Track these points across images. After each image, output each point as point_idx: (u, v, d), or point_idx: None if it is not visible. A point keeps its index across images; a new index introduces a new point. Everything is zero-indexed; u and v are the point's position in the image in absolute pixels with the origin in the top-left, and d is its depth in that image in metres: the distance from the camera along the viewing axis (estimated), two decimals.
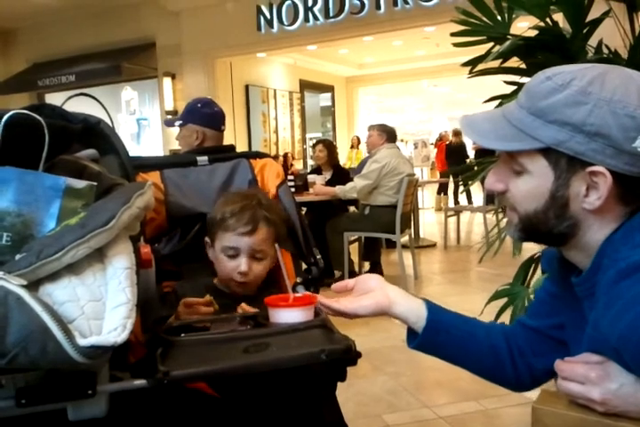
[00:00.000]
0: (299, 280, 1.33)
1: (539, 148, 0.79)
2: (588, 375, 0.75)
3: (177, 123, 2.63)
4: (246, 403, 0.99)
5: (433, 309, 1.01)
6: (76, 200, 0.89)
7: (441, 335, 0.99)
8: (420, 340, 0.99)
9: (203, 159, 1.53)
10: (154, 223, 1.41)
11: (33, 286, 0.73)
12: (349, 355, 0.93)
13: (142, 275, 1.01)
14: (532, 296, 1.89)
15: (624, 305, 0.69)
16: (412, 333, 1.02)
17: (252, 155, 1.61)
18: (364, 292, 1.00)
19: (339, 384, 1.11)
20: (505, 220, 2.09)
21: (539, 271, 1.97)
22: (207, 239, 1.36)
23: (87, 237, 0.74)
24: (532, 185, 0.83)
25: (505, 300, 1.96)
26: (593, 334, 0.79)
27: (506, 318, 1.68)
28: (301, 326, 1.03)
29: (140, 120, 10.35)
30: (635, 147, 0.75)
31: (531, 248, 2.27)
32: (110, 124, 1.15)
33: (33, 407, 0.77)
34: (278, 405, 1.03)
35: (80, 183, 0.92)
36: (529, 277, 1.97)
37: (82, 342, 0.67)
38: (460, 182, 7.30)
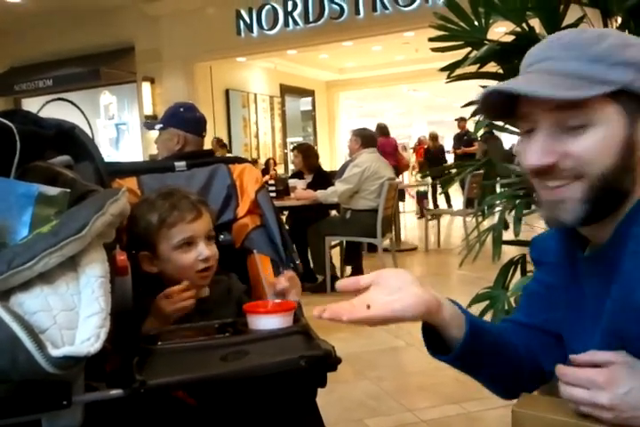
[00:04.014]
0: (293, 302, 1.31)
1: (610, 91, 0.74)
2: (594, 380, 0.70)
3: (157, 126, 2.62)
4: (225, 410, 0.98)
5: (468, 312, 0.87)
6: (49, 208, 0.88)
7: (482, 343, 0.86)
8: (462, 347, 0.83)
9: (180, 165, 1.52)
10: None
11: (4, 296, 0.71)
12: (329, 361, 0.93)
13: (118, 282, 0.99)
14: (512, 299, 1.90)
15: None
16: (435, 341, 0.86)
17: (230, 160, 1.59)
18: (392, 289, 0.79)
19: (320, 389, 1.10)
20: (486, 223, 2.12)
21: (518, 274, 1.99)
22: (143, 253, 1.27)
23: (59, 245, 0.73)
24: (601, 136, 0.75)
25: (486, 303, 1.97)
26: (617, 309, 0.74)
27: None
28: (280, 333, 1.02)
29: (119, 125, 10.28)
30: None
31: (510, 252, 2.30)
32: (89, 129, 1.13)
33: (5, 420, 0.75)
34: (258, 411, 1.02)
35: (53, 190, 0.90)
36: (509, 281, 1.98)
37: (54, 352, 0.66)
38: (438, 186, 7.33)
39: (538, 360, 0.93)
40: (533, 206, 1.88)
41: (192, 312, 1.20)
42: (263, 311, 1.05)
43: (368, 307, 0.75)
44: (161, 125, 2.59)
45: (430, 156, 10.41)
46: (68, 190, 0.93)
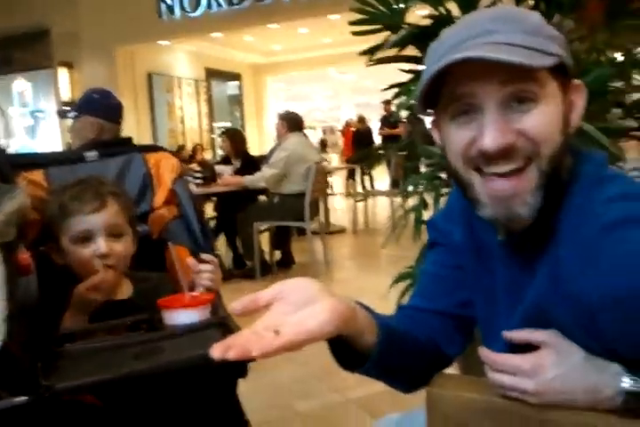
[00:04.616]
0: (201, 286, 1.28)
1: (555, 63, 0.71)
2: (520, 367, 0.71)
3: (71, 114, 2.50)
4: (138, 409, 0.95)
5: (375, 313, 0.82)
6: None
7: (394, 343, 0.80)
8: (378, 351, 0.77)
9: (91, 155, 1.45)
10: (38, 225, 1.32)
11: None
12: None
13: (22, 282, 0.94)
14: None
15: (610, 265, 0.64)
16: (344, 350, 0.78)
17: (145, 148, 1.54)
18: (299, 303, 0.67)
19: (248, 377, 1.08)
20: (410, 203, 2.16)
21: None
22: (49, 245, 1.22)
23: None
24: (549, 113, 0.72)
25: (408, 282, 2.00)
26: (540, 296, 0.74)
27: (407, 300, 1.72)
28: (198, 327, 1.00)
29: (36, 113, 9.80)
30: None
31: None
32: (1, 117, 1.06)
33: None
34: (177, 406, 1.00)
35: None
36: None
37: None
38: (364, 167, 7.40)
39: (438, 346, 0.92)
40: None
41: (113, 314, 1.13)
42: (178, 306, 1.02)
43: (276, 333, 0.61)
44: (75, 113, 2.47)
45: (359, 138, 10.49)
46: None
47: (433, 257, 0.99)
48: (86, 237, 1.18)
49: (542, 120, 0.72)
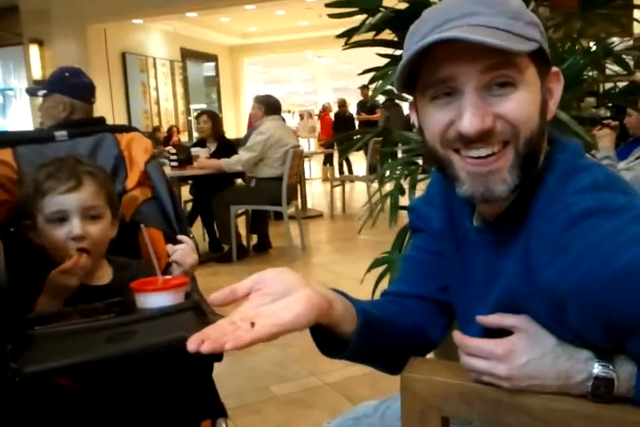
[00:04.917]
0: (171, 261, 1.26)
1: (534, 49, 0.72)
2: (493, 351, 0.71)
3: (41, 92, 2.44)
4: (111, 392, 0.94)
5: (356, 302, 0.82)
6: None
7: (373, 331, 0.81)
8: (357, 339, 0.78)
9: (61, 134, 1.41)
10: (7, 205, 1.29)
11: None
12: None
13: None
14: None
15: (577, 255, 0.65)
16: (325, 337, 0.79)
17: (117, 128, 1.51)
18: (277, 294, 0.70)
19: (227, 361, 1.07)
20: (387, 188, 2.16)
21: None
22: (25, 222, 1.19)
23: None
24: (526, 97, 0.72)
25: (384, 267, 2.01)
26: (513, 285, 0.74)
27: (384, 285, 1.73)
28: (170, 310, 0.99)
29: (5, 91, 9.56)
30: None
31: (406, 216, 2.35)
32: None
33: None
34: (150, 390, 0.99)
35: None
36: (405, 245, 2.04)
37: None
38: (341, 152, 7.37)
39: (422, 330, 0.93)
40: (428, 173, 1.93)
41: (91, 300, 1.08)
42: (151, 289, 1.01)
43: (252, 325, 0.64)
44: (45, 91, 2.41)
45: (340, 123, 10.39)
46: None
47: (415, 242, 1.00)
48: (61, 218, 1.14)
49: (521, 104, 0.72)
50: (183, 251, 1.20)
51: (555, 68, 0.78)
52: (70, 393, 0.90)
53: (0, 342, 0.84)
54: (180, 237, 1.27)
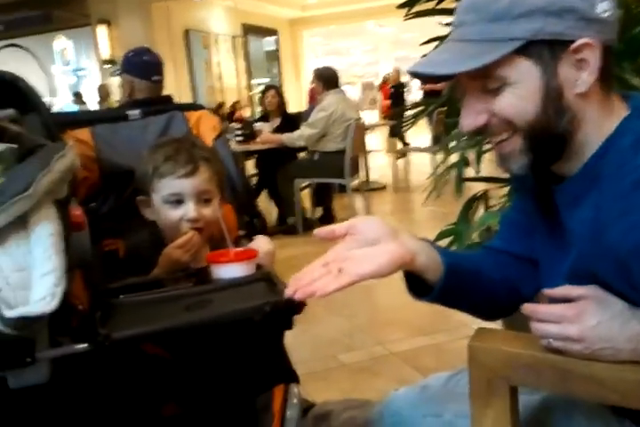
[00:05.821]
0: (241, 233, 1.31)
1: (517, 47, 0.75)
2: (564, 314, 0.73)
3: (116, 72, 2.55)
4: (195, 361, 1.00)
5: (443, 251, 0.90)
6: None
7: (459, 281, 0.89)
8: (441, 286, 0.86)
9: (134, 113, 1.47)
10: (88, 182, 1.36)
11: None
12: (292, 305, 0.94)
13: (75, 238, 0.98)
14: (475, 234, 1.94)
15: None
16: (416, 282, 0.88)
17: (186, 107, 1.55)
18: (367, 242, 0.82)
19: (295, 330, 1.12)
20: (452, 159, 2.13)
21: (481, 210, 2.02)
22: (140, 198, 1.27)
23: (6, 204, 0.71)
24: (519, 92, 0.77)
25: (450, 238, 2.00)
26: (584, 249, 0.77)
27: None
28: (243, 281, 1.03)
29: (77, 71, 9.89)
30: (598, 13, 0.75)
31: (473, 187, 2.32)
32: (44, 75, 1.08)
33: None
34: (225, 358, 1.04)
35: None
36: (472, 216, 2.02)
37: (8, 313, 0.65)
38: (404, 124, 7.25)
39: (514, 285, 0.97)
40: None
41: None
42: (225, 260, 1.05)
43: (340, 270, 0.76)
44: (118, 71, 2.51)
45: (396, 94, 10.23)
46: (15, 146, 0.90)
47: (513, 202, 1.06)
48: (177, 200, 1.21)
49: (512, 100, 0.78)
50: (266, 254, 1.21)
51: (581, 41, 0.75)
52: (154, 360, 0.96)
53: (90, 310, 0.91)
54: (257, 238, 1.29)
